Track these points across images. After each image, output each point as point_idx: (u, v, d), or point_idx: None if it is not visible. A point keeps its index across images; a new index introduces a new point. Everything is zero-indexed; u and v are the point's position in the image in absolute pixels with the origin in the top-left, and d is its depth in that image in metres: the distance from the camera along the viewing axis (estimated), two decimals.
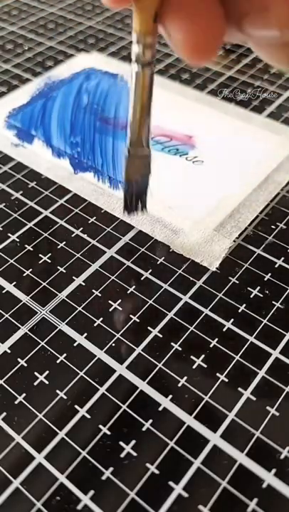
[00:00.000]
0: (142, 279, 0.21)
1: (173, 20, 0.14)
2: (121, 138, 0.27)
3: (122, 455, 0.16)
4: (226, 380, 0.18)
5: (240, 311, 0.20)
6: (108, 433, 0.17)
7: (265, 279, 0.21)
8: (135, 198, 0.22)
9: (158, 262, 0.22)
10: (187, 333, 0.19)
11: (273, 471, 0.16)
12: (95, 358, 0.19)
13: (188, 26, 0.14)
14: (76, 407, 0.18)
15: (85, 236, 0.23)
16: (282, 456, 0.16)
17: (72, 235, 0.23)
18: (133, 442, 0.17)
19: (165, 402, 0.18)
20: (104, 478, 0.16)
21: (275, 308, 0.20)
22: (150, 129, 0.19)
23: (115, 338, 0.19)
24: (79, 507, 0.15)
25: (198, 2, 0.14)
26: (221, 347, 0.19)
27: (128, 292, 0.21)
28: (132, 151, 0.20)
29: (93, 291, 0.21)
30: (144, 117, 0.19)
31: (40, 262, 0.22)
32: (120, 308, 0.20)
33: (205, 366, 0.19)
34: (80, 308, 0.20)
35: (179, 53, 0.15)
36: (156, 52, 0.34)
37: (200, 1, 0.14)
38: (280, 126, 0.28)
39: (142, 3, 0.15)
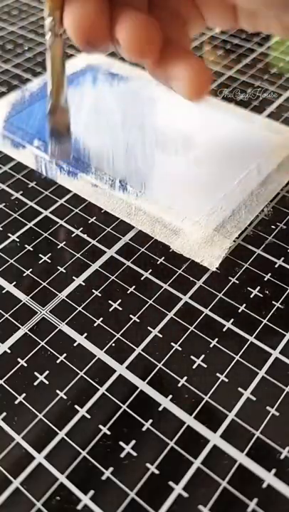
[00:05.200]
0: (142, 279, 0.21)
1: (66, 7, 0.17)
2: (120, 138, 0.27)
3: (122, 455, 0.16)
4: (226, 380, 0.18)
5: (240, 311, 0.20)
6: (108, 433, 0.17)
7: (265, 279, 0.21)
8: (59, 146, 0.24)
9: (158, 262, 0.22)
10: (187, 333, 0.19)
11: (273, 471, 0.16)
12: (95, 358, 0.19)
13: (75, 14, 0.17)
14: (76, 407, 0.18)
15: (85, 236, 0.23)
16: (282, 456, 0.16)
17: (72, 235, 0.23)
18: (133, 442, 0.17)
19: (165, 402, 0.18)
20: (104, 478, 0.16)
21: (275, 308, 0.20)
22: (66, 86, 0.23)
23: (115, 338, 0.19)
24: (79, 507, 0.15)
25: None
26: (221, 347, 0.19)
27: (128, 292, 0.21)
28: (53, 108, 0.23)
29: (93, 291, 0.21)
30: (60, 80, 0.22)
31: (40, 262, 0.22)
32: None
33: (205, 366, 0.19)
34: (80, 308, 0.20)
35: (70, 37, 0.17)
36: None
37: None
38: (280, 126, 0.28)
39: None
